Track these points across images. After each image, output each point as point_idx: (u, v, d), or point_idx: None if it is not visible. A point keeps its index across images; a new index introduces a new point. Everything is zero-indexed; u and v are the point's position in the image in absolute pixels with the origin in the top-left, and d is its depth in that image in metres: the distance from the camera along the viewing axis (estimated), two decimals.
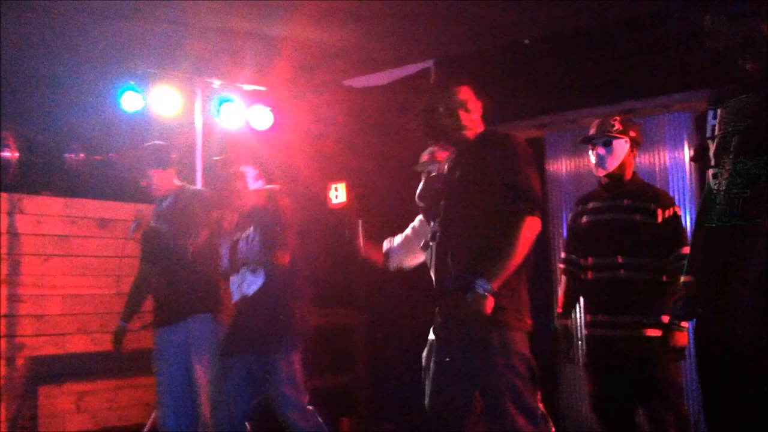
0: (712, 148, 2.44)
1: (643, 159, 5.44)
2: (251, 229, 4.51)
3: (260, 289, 4.35)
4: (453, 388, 3.18)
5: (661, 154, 5.45)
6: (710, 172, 2.44)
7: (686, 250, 3.84)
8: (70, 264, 6.25)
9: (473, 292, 3.00)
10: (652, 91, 5.35)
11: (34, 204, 6.11)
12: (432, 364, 3.29)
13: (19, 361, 5.92)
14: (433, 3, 5.29)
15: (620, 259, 3.84)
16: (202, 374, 4.59)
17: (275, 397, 4.30)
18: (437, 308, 3.31)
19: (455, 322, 3.11)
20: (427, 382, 4.06)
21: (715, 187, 2.39)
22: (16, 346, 5.91)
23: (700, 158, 2.53)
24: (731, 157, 2.31)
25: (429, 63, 6.55)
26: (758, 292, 2.18)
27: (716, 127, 2.43)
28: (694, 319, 2.48)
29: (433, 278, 3.39)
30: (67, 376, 6.18)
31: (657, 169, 5.46)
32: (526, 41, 5.88)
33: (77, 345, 6.23)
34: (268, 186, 4.66)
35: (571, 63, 5.65)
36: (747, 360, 2.21)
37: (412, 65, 6.61)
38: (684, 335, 3.79)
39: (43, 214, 6.15)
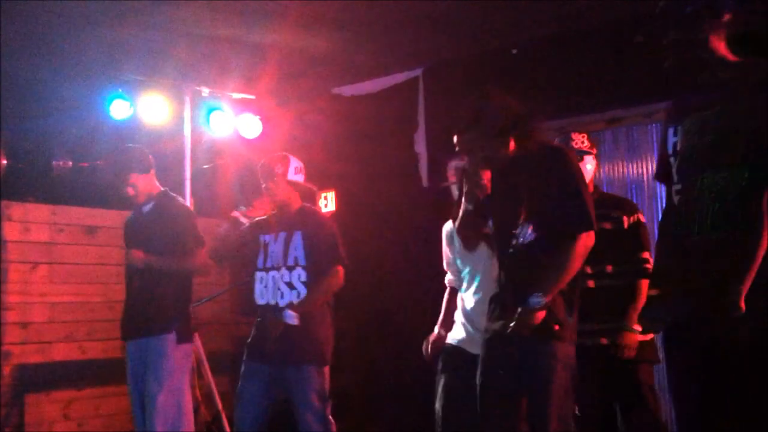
0: (676, 164, 2.42)
1: (629, 168, 5.46)
2: (283, 230, 4.39)
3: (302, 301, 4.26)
4: (504, 401, 3.21)
5: (646, 163, 5.47)
6: (674, 188, 2.43)
7: (646, 254, 3.99)
8: (57, 271, 6.24)
9: (526, 304, 3.08)
10: (637, 100, 5.36)
11: (20, 211, 6.09)
12: (479, 376, 3.29)
13: (6, 370, 5.90)
14: (420, 10, 5.31)
15: (588, 270, 3.83)
16: (155, 394, 4.54)
17: (300, 401, 4.23)
18: (489, 320, 3.34)
19: (511, 332, 3.14)
20: (440, 388, 4.04)
21: (689, 200, 2.35)
22: (2, 354, 5.89)
23: (664, 176, 2.51)
24: (708, 169, 2.29)
25: (417, 72, 6.58)
26: (759, 292, 2.20)
27: (679, 143, 2.42)
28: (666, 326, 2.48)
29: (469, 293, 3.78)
30: (54, 384, 6.16)
31: (644, 178, 5.48)
32: (514, 51, 5.90)
33: (64, 353, 6.21)
34: (306, 184, 4.50)
35: (557, 71, 5.66)
36: (748, 360, 2.23)
37: (400, 74, 6.64)
38: (634, 337, 3.88)
39: (29, 222, 6.13)
